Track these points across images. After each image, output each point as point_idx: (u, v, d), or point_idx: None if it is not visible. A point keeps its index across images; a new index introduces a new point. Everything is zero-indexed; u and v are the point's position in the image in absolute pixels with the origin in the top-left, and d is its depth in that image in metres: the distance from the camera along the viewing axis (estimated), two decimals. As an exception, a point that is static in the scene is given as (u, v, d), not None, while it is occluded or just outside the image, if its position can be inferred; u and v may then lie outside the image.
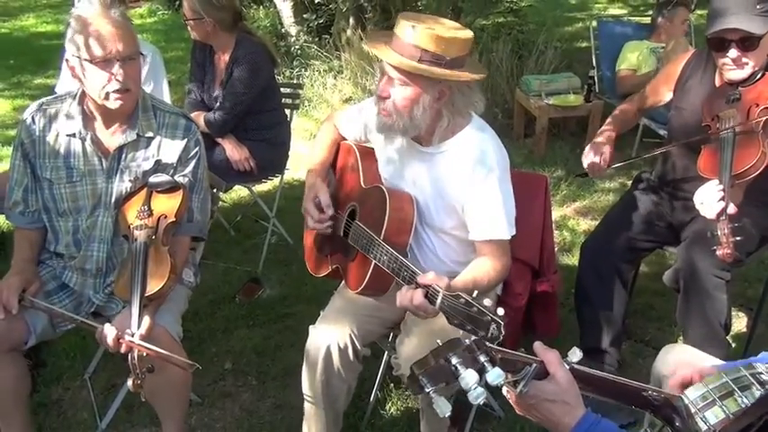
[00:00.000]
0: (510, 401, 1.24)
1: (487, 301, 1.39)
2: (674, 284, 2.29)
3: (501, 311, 1.36)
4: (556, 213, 3.98)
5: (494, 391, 2.29)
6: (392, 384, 2.53)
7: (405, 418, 2.42)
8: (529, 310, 2.33)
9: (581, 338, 2.45)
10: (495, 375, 1.10)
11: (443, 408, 1.13)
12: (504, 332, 1.35)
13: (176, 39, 8.73)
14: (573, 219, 3.93)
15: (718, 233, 1.90)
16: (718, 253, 1.90)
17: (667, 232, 2.44)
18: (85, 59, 1.91)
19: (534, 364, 1.18)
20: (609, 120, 2.57)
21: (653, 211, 2.46)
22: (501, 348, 1.17)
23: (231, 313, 3.07)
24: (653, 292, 3.05)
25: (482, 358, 1.12)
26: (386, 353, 2.34)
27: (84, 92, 2.04)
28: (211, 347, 2.84)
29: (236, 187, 3.79)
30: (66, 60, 1.99)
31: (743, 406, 1.29)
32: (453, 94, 1.82)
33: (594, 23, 4.98)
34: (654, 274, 3.15)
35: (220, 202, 3.83)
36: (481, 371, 1.11)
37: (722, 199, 1.92)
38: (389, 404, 2.48)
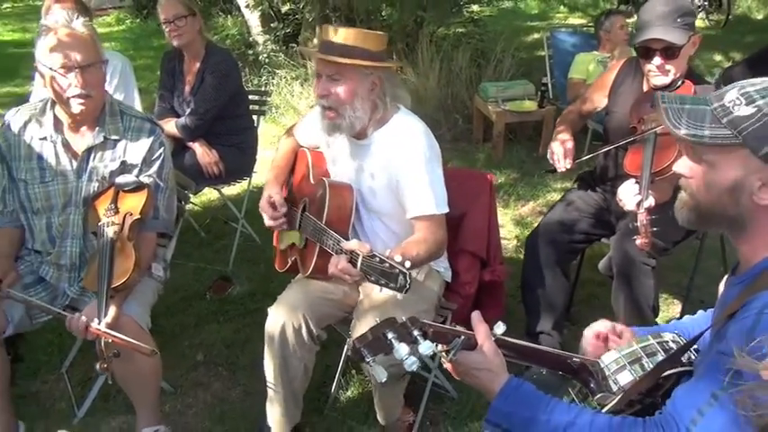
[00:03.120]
0: (448, 369, 1.42)
1: (398, 258, 1.60)
2: (608, 272, 2.51)
3: (408, 264, 1.59)
4: (512, 212, 4.21)
5: (448, 375, 2.50)
6: (354, 371, 2.71)
7: (365, 400, 2.59)
8: (478, 299, 2.54)
9: (526, 323, 2.67)
10: (425, 347, 1.30)
11: (380, 374, 1.33)
12: (410, 280, 1.58)
13: (144, 47, 8.83)
14: (529, 217, 4.15)
15: (638, 224, 2.13)
16: (637, 242, 2.13)
17: (605, 225, 2.66)
18: (49, 67, 2.09)
19: (462, 336, 1.36)
20: (559, 121, 2.79)
21: (591, 207, 2.68)
22: (433, 323, 1.36)
23: (202, 309, 3.23)
24: (597, 283, 3.27)
25: (415, 332, 1.31)
26: (347, 340, 2.52)
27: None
28: (183, 341, 2.99)
29: (206, 190, 3.94)
30: (35, 68, 2.16)
31: (648, 370, 1.50)
32: (384, 85, 2.07)
33: (548, 34, 5.24)
34: (597, 267, 3.38)
35: (191, 205, 3.98)
36: (414, 343, 1.30)
37: (639, 194, 2.15)
38: (351, 388, 2.66)
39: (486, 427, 1.34)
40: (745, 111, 1.14)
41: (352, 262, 1.76)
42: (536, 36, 8.34)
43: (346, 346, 2.57)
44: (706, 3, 9.42)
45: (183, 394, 2.69)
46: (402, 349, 1.27)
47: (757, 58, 4.57)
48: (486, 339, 1.36)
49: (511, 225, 4.04)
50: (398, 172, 2.09)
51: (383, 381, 1.33)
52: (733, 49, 7.89)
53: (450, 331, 1.36)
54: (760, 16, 9.74)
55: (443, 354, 1.35)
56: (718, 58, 7.62)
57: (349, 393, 2.65)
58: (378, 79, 2.06)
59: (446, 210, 2.12)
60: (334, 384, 2.63)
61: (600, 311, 3.12)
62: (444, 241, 2.15)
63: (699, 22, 9.23)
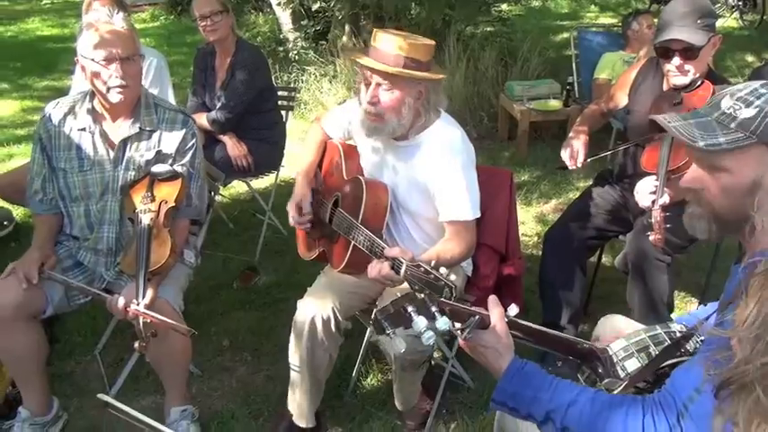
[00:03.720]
0: (462, 346, 1.49)
1: (443, 270, 1.64)
2: (623, 268, 2.56)
3: (453, 277, 1.62)
4: (534, 209, 4.26)
5: (465, 365, 2.57)
6: (374, 359, 2.79)
7: (384, 387, 2.67)
8: (497, 292, 2.59)
9: (543, 316, 2.72)
10: (442, 322, 1.36)
11: (399, 345, 1.39)
12: (455, 294, 1.60)
13: (178, 43, 9.01)
14: (551, 214, 4.19)
15: (652, 221, 2.17)
16: (650, 238, 2.17)
17: (622, 222, 2.71)
18: (91, 59, 2.21)
19: (477, 316, 1.43)
20: (579, 119, 2.85)
21: (609, 204, 2.72)
22: (450, 302, 1.43)
23: (229, 297, 3.34)
24: (616, 280, 3.30)
25: (433, 309, 1.38)
26: (368, 330, 2.61)
27: (93, 91, 2.32)
28: (211, 327, 3.09)
29: (235, 183, 4.06)
30: (77, 60, 2.28)
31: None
32: (429, 93, 2.12)
33: (575, 33, 5.26)
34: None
35: (220, 197, 4.10)
36: (432, 318, 1.37)
37: (654, 191, 2.20)
38: (371, 376, 2.74)
39: (493, 406, 1.41)
40: (748, 112, 1.21)
41: (395, 269, 1.81)
42: (565, 35, 8.31)
43: (367, 336, 2.66)
44: (740, 2, 9.30)
45: (209, 378, 2.80)
46: (421, 322, 1.34)
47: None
48: (499, 320, 1.42)
49: (533, 222, 4.08)
50: (435, 176, 2.14)
51: (402, 351, 1.39)
52: (766, 49, 7.80)
53: (466, 311, 1.43)
54: (796, 17, 9.58)
55: (459, 332, 1.41)
56: (750, 58, 7.54)
57: (368, 381, 2.73)
58: (424, 88, 2.11)
59: (478, 214, 2.18)
60: (355, 372, 2.71)
61: (617, 308, 3.16)
62: (474, 244, 2.21)
63: (732, 22, 9.17)
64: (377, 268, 1.88)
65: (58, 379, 2.74)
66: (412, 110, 2.11)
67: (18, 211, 3.93)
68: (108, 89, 2.23)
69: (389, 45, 2.05)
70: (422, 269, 1.68)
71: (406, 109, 2.10)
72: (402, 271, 1.75)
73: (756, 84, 1.25)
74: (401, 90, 2.07)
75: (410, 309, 1.38)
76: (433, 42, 2.12)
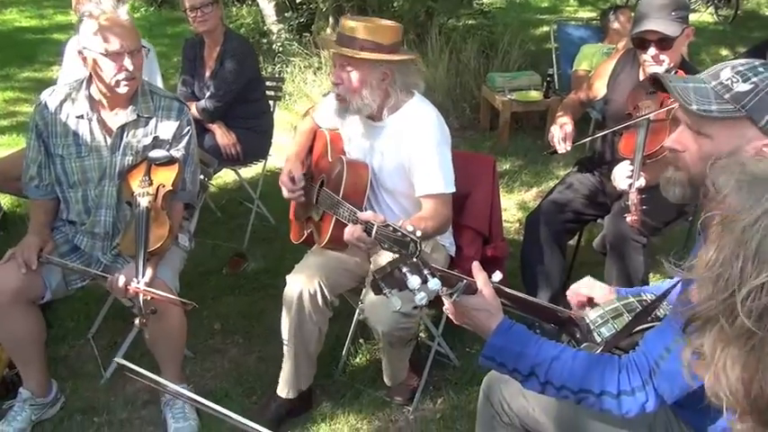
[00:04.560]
0: (449, 313, 1.57)
1: (409, 227, 1.72)
2: (601, 249, 2.68)
3: (419, 233, 1.70)
4: (516, 197, 4.37)
5: (451, 344, 2.67)
6: (362, 339, 2.89)
7: (373, 366, 2.77)
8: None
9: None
10: (434, 283, 1.44)
11: (395, 303, 1.48)
12: (421, 248, 1.68)
13: (159, 35, 8.97)
14: (532, 202, 4.30)
15: (629, 203, 2.29)
16: (627, 219, 2.29)
17: (600, 206, 2.83)
18: (100, 53, 2.25)
19: (465, 281, 1.52)
20: (560, 108, 2.97)
21: (587, 188, 2.84)
22: (439, 268, 1.53)
23: (219, 283, 3.41)
24: (594, 264, 3.40)
25: (425, 271, 1.46)
26: (357, 310, 2.69)
27: (89, 79, 2.38)
28: (202, 311, 3.13)
29: (222, 173, 4.11)
30: (80, 52, 2.32)
31: None
32: (395, 75, 2.23)
33: (555, 27, 5.38)
34: (594, 248, 3.53)
35: (210, 186, 4.16)
36: (425, 280, 1.45)
37: (631, 175, 2.31)
38: (360, 355, 2.84)
39: (482, 362, 1.50)
40: (743, 87, 1.29)
41: (367, 231, 1.91)
42: (545, 29, 8.41)
43: (356, 315, 2.75)
44: (715, -2, 9.49)
45: (201, 359, 2.87)
46: (415, 281, 1.42)
47: (757, 49, 4.72)
48: (486, 285, 1.51)
49: (514, 209, 4.20)
50: (410, 153, 2.25)
51: (398, 308, 1.47)
52: (740, 44, 7.97)
53: (454, 276, 1.52)
54: (769, 12, 9.80)
55: (447, 296, 1.50)
56: (724, 52, 7.71)
57: (358, 360, 2.83)
58: (389, 70, 2.21)
59: (453, 189, 2.28)
60: (344, 351, 2.80)
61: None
62: (450, 218, 2.31)
63: (707, 17, 9.35)
64: (350, 231, 2.00)
65: (53, 362, 2.78)
66: (378, 90, 2.22)
67: (5, 201, 3.95)
68: (117, 81, 2.28)
69: (350, 29, 2.18)
70: (390, 228, 1.77)
71: (368, 89, 2.20)
72: (373, 232, 1.85)
73: (758, 62, 1.33)
74: (361, 71, 2.18)
75: (405, 269, 1.46)
76: (396, 25, 2.24)
